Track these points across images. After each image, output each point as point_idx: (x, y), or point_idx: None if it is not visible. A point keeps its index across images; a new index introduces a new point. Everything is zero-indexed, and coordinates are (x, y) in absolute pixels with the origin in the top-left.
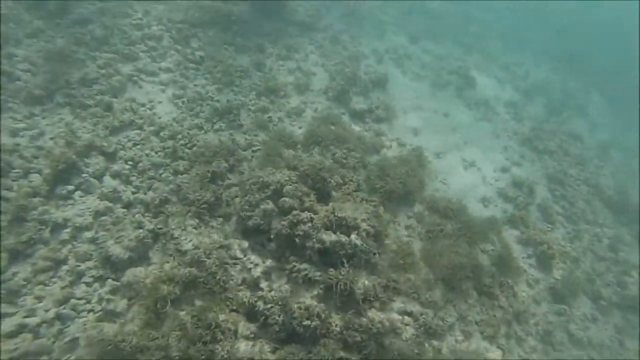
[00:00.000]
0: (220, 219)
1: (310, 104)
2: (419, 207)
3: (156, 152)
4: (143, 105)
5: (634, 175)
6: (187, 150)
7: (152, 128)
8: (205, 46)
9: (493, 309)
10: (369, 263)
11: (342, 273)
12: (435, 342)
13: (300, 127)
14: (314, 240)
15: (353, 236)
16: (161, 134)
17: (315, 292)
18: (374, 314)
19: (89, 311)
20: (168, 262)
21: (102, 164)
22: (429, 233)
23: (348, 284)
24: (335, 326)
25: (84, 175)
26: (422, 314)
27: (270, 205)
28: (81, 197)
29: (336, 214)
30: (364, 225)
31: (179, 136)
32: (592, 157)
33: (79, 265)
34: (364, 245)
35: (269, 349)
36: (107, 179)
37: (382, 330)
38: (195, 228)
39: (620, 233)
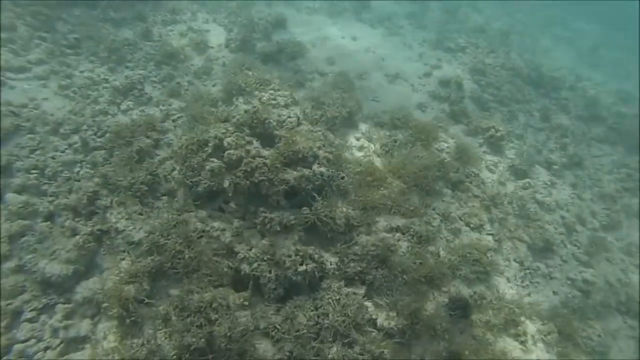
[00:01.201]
0: (165, 197)
1: (215, 60)
2: (363, 126)
3: (62, 151)
4: (24, 106)
5: (536, 53)
6: (98, 139)
7: (47, 128)
8: (76, 27)
9: (469, 200)
10: (339, 190)
11: (317, 207)
12: (431, 248)
13: (214, 85)
14: (276, 182)
15: (315, 166)
16: (61, 130)
17: (296, 237)
18: (363, 239)
19: (46, 349)
20: (123, 259)
21: None
22: (384, 147)
23: (328, 216)
24: (331, 264)
25: None
26: (409, 225)
27: (216, 162)
28: None
29: (290, 148)
30: (321, 153)
31: (84, 127)
32: (498, 44)
33: (9, 304)
34: (330, 171)
35: (271, 311)
36: (10, 196)
37: (378, 253)
38: (140, 214)
39: (545, 103)
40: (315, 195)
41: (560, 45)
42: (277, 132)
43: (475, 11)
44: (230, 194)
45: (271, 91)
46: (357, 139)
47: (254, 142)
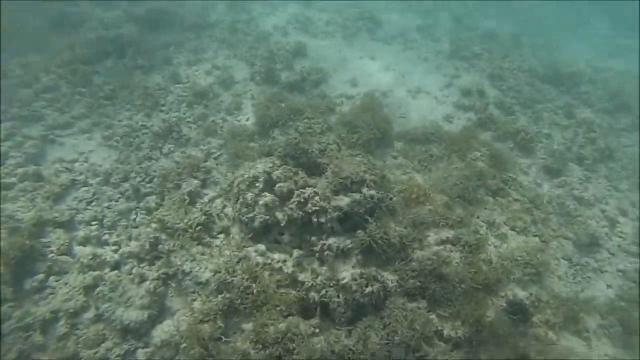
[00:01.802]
0: (221, 235)
1: (243, 94)
2: (398, 144)
3: (116, 200)
4: (75, 160)
5: (551, 50)
6: (147, 185)
7: (98, 179)
8: (109, 78)
9: (511, 205)
10: (388, 210)
11: (371, 229)
12: (482, 255)
13: (247, 119)
14: (329, 210)
15: (365, 190)
16: (111, 180)
17: (354, 260)
18: (418, 254)
19: None
20: (195, 300)
21: (63, 236)
22: (421, 163)
23: (382, 237)
24: (392, 282)
25: (49, 256)
26: (458, 236)
27: (268, 196)
28: (57, 280)
29: (339, 175)
30: (368, 177)
31: (132, 174)
32: (511, 47)
33: (95, 353)
34: (380, 193)
35: (344, 334)
36: (77, 249)
37: (434, 266)
38: (202, 254)
39: (567, 99)
40: (368, 217)
41: (572, 41)
42: (320, 160)
43: (483, 17)
44: (283, 225)
45: (305, 120)
46: (395, 158)
47: (300, 172)
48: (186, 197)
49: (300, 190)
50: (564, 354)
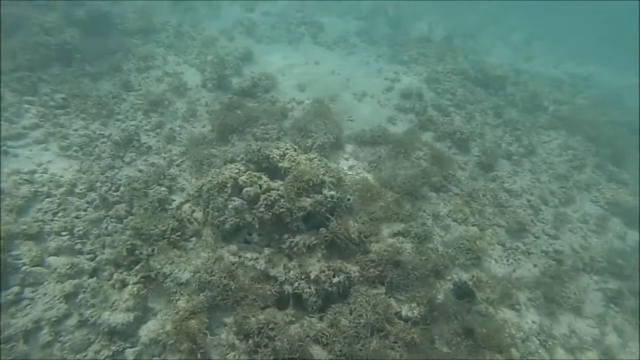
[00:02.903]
0: (193, 238)
1: (197, 101)
2: (348, 146)
3: (84, 210)
4: (34, 172)
5: (479, 53)
6: (115, 193)
7: (62, 189)
8: (59, 87)
9: (452, 199)
10: (347, 208)
11: (333, 226)
12: (429, 245)
13: (203, 126)
14: (295, 210)
15: (325, 191)
16: (76, 190)
17: (319, 255)
18: (376, 247)
19: None
20: (179, 299)
21: (35, 248)
22: (372, 163)
23: (343, 233)
24: (354, 272)
25: (23, 268)
26: (408, 229)
27: (237, 200)
28: (34, 291)
29: (301, 178)
30: (327, 179)
31: (97, 184)
32: (445, 50)
33: (85, 356)
34: (338, 193)
35: (316, 321)
36: (51, 259)
37: (390, 256)
38: (180, 257)
39: (495, 101)
40: (329, 216)
41: (498, 43)
42: (281, 165)
43: (417, 20)
44: (256, 227)
45: (262, 126)
46: (346, 159)
47: (262, 176)
48: (157, 204)
49: (267, 194)
50: (500, 324)
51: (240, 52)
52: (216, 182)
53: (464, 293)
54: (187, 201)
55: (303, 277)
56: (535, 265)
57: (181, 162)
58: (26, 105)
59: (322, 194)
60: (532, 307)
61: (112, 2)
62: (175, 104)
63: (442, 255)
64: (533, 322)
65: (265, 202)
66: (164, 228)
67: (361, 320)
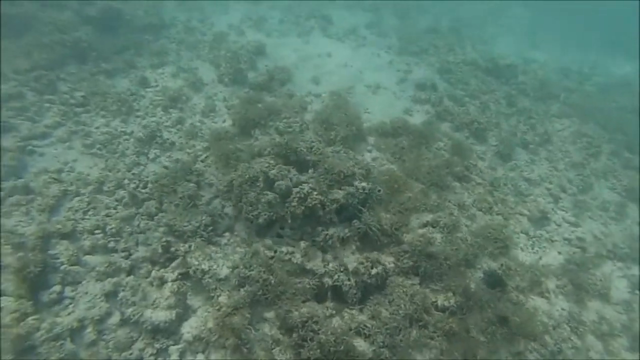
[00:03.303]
0: (227, 233)
1: (214, 96)
2: (370, 139)
3: (114, 208)
4: (61, 170)
5: (487, 43)
6: (143, 190)
7: (90, 187)
8: (78, 85)
9: (475, 188)
10: (377, 200)
11: (366, 218)
12: (458, 234)
13: (224, 121)
14: (327, 203)
15: (357, 183)
16: (104, 188)
17: (353, 247)
18: (407, 237)
19: None
20: (219, 295)
21: (71, 247)
22: (395, 155)
23: (376, 224)
24: (389, 263)
25: (61, 267)
26: (437, 219)
27: (270, 194)
28: (73, 290)
29: (332, 170)
30: (357, 170)
31: (125, 181)
32: (453, 42)
33: (130, 354)
34: (370, 184)
35: (357, 312)
36: (87, 258)
37: (422, 247)
38: (217, 253)
39: (507, 90)
40: (361, 208)
41: (503, 32)
42: (309, 158)
43: (424, 12)
44: (289, 220)
45: (284, 120)
46: (369, 151)
47: (291, 170)
48: (187, 200)
49: (299, 187)
50: (532, 312)
51: (253, 46)
52: (247, 176)
53: (494, 282)
54: (217, 196)
55: (342, 269)
56: (559, 253)
57: (206, 157)
58: (47, 104)
59: (353, 185)
60: (561, 294)
61: (122, 1)
62: (193, 99)
63: (471, 244)
64: (563, 309)
65: (298, 195)
66: (197, 224)
67: (400, 311)
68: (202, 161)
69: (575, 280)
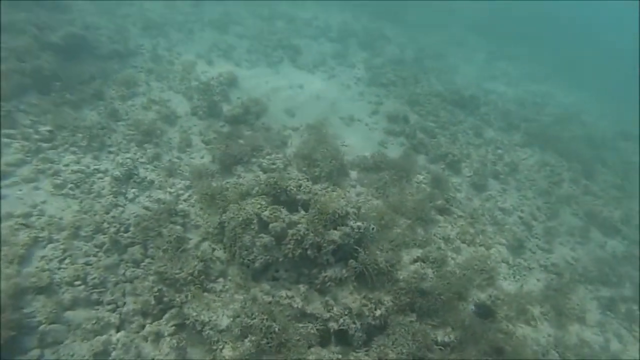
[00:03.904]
0: (220, 279)
1: (189, 130)
2: (353, 173)
3: (95, 255)
4: (29, 214)
5: (450, 73)
6: (125, 234)
7: (65, 233)
8: (42, 117)
9: (457, 221)
10: (370, 238)
11: (362, 257)
12: (447, 268)
13: (202, 157)
14: (324, 244)
15: (352, 222)
16: (81, 233)
17: (351, 287)
18: (402, 274)
19: None
20: (222, 348)
21: (49, 304)
22: (379, 190)
23: (373, 263)
24: (388, 302)
25: (39, 327)
26: (426, 254)
27: (266, 238)
28: (55, 352)
29: (326, 211)
30: (350, 210)
31: (104, 225)
32: (418, 72)
33: None
34: (365, 223)
35: (363, 355)
36: (69, 314)
37: (415, 283)
38: (214, 301)
39: (473, 121)
40: (357, 247)
41: (462, 62)
42: (299, 197)
43: (387, 42)
44: (284, 263)
45: (267, 157)
46: (353, 187)
47: (282, 210)
48: (175, 243)
49: (295, 228)
50: (522, 340)
51: (226, 77)
52: (240, 219)
53: (485, 313)
54: (205, 239)
55: (346, 312)
56: (538, 280)
57: (188, 196)
58: (6, 140)
59: (348, 225)
60: (545, 320)
61: (85, 26)
62: (168, 133)
63: (460, 277)
64: (549, 335)
65: (294, 237)
66: (190, 271)
67: (404, 351)
68: (184, 201)
69: (556, 306)
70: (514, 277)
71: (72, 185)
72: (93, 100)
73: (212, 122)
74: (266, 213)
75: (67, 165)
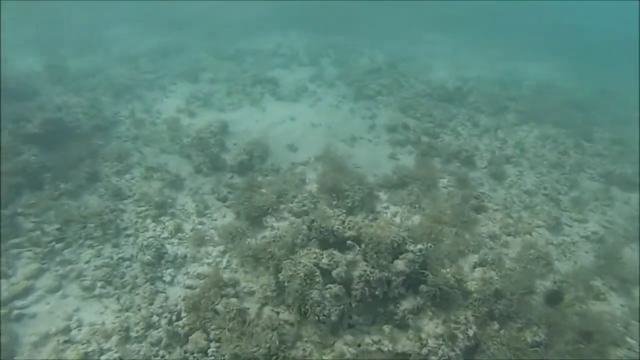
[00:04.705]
0: (299, 343)
1: (200, 190)
2: (381, 194)
3: (156, 355)
4: (67, 329)
5: (426, 71)
6: (179, 322)
7: (114, 339)
8: (44, 216)
9: (494, 215)
10: (432, 258)
11: (431, 280)
12: (506, 266)
13: (224, 216)
14: (394, 278)
15: (411, 246)
16: (132, 334)
17: (430, 313)
18: (471, 285)
19: None
20: None
21: None
22: (413, 205)
23: (445, 283)
24: (470, 317)
25: None
26: (482, 257)
27: (334, 287)
28: None
29: (382, 242)
30: (403, 233)
31: (154, 318)
32: (397, 77)
33: None
34: (424, 244)
35: None
36: None
37: (487, 289)
38: None
39: (464, 112)
40: (423, 271)
41: (432, 58)
42: (347, 234)
43: (358, 55)
44: (357, 308)
45: (295, 200)
46: (387, 208)
47: (335, 252)
48: (239, 318)
49: (360, 269)
50: (599, 317)
51: (216, 126)
52: (302, 274)
53: (556, 299)
54: (264, 304)
55: (441, 341)
56: (586, 252)
57: (227, 262)
58: (15, 251)
59: (407, 251)
60: (612, 291)
61: (57, 108)
62: (178, 199)
63: (522, 272)
64: (621, 305)
65: (362, 279)
66: (268, 344)
67: None
68: (226, 268)
69: (615, 273)
70: (565, 256)
71: (102, 283)
72: (90, 184)
73: (220, 176)
74: (325, 261)
75: (88, 262)
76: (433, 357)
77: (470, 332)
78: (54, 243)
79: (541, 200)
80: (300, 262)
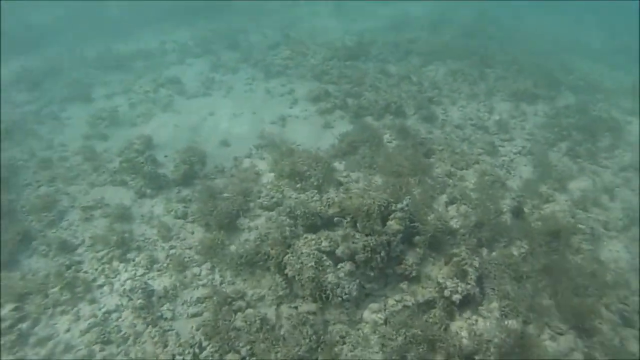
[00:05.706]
0: (330, 328)
1: (153, 213)
2: (337, 165)
3: None
4: None
5: (318, 34)
6: (205, 352)
7: None
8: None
9: (442, 154)
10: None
11: (421, 229)
12: (472, 197)
13: (192, 233)
14: (392, 238)
15: (398, 205)
16: None
17: (431, 259)
18: (453, 224)
19: None
20: None
21: None
22: (370, 167)
23: (434, 228)
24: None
25: None
26: (451, 195)
27: (345, 265)
28: None
29: (370, 210)
30: (383, 195)
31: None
32: (297, 46)
33: None
34: (406, 199)
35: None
36: None
37: (466, 222)
38: (350, 351)
39: (374, 65)
40: (414, 223)
41: (318, 20)
42: (331, 212)
43: (247, 33)
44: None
45: (263, 195)
46: (347, 176)
47: (328, 232)
48: (259, 325)
49: (362, 241)
50: (553, 215)
51: (141, 142)
52: (309, 264)
53: (520, 213)
54: (280, 304)
55: (456, 280)
56: (525, 165)
57: (221, 276)
58: None
59: (394, 210)
60: (555, 192)
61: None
62: (135, 230)
63: (488, 198)
64: (565, 200)
65: (366, 250)
66: (306, 339)
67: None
68: (222, 284)
69: (553, 177)
70: (510, 173)
71: (99, 346)
72: (23, 247)
73: (167, 193)
74: (325, 244)
75: (68, 330)
76: (456, 296)
77: (476, 263)
78: (18, 326)
79: (471, 131)
80: (302, 253)
